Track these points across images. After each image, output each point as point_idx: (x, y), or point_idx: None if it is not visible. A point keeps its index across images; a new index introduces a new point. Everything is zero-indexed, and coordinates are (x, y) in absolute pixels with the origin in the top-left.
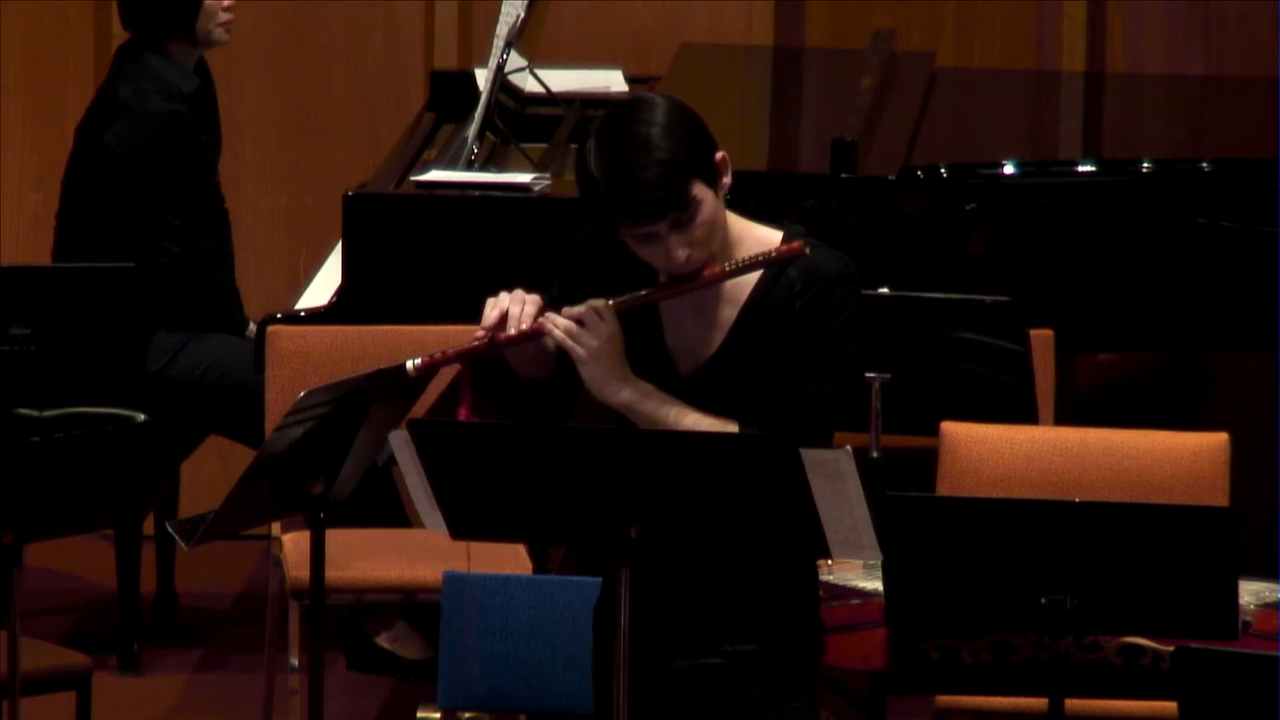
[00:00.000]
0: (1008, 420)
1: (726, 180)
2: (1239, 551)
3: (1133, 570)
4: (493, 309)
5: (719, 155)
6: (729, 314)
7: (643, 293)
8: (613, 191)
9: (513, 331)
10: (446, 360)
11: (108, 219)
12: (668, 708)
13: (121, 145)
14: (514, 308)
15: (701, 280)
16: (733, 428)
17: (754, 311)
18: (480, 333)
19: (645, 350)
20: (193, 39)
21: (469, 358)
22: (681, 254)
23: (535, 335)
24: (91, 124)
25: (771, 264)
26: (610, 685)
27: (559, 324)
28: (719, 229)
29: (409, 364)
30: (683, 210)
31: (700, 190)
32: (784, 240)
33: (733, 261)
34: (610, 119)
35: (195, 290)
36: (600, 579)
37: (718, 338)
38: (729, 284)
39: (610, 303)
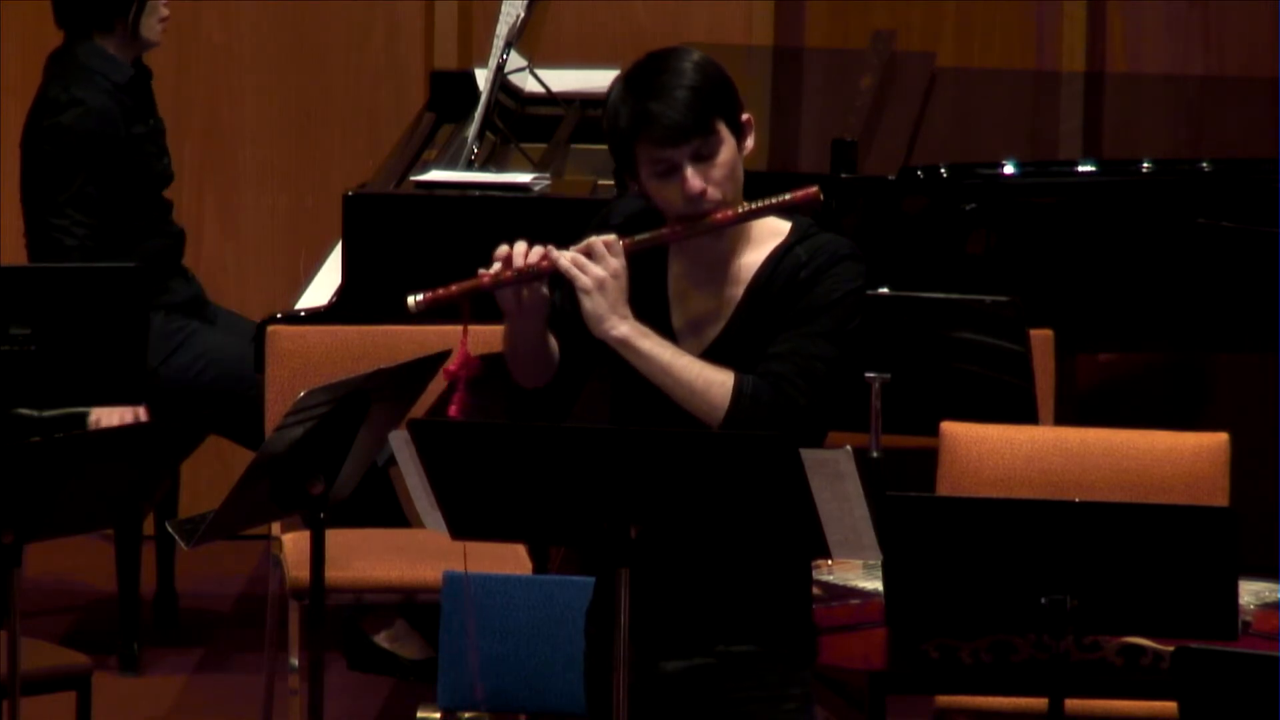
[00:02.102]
0: (1008, 420)
1: (749, 143)
2: (1239, 551)
3: (1133, 570)
4: (499, 250)
5: (745, 116)
6: (735, 293)
7: (652, 234)
8: (640, 107)
9: (520, 264)
10: (450, 296)
11: (70, 217)
12: (659, 709)
13: (61, 144)
14: (519, 247)
15: (714, 222)
16: (728, 375)
17: (760, 290)
18: (495, 266)
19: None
20: (135, 33)
21: (473, 294)
22: (697, 184)
23: (539, 273)
24: (31, 131)
25: (785, 208)
26: (601, 688)
27: (565, 254)
28: (737, 181)
29: (411, 300)
30: (705, 139)
31: (724, 131)
32: (794, 230)
33: (744, 205)
34: (643, 58)
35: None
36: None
37: (724, 317)
38: (736, 265)
39: (619, 238)
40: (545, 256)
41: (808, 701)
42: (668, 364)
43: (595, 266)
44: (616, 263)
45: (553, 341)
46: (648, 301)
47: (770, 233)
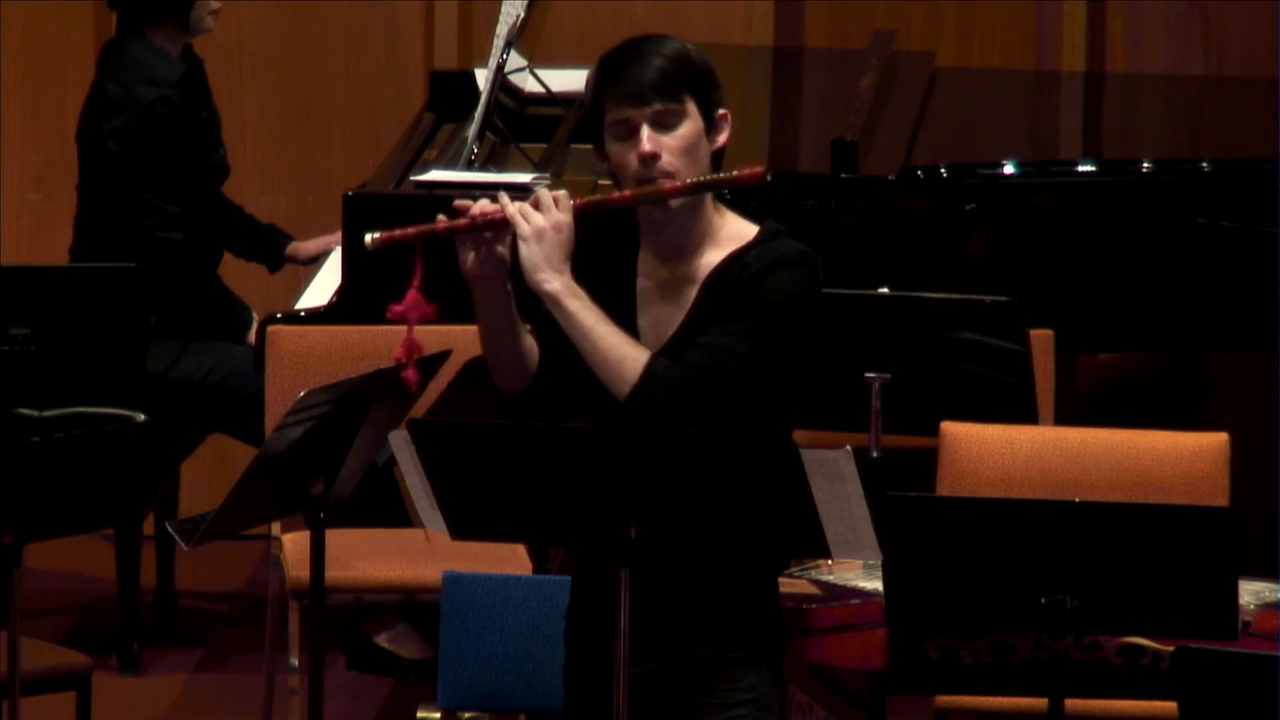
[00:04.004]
0: (1008, 420)
1: (721, 139)
2: (1239, 551)
3: (1133, 570)
4: (459, 202)
5: (722, 111)
6: (691, 293)
7: (601, 196)
8: (612, 68)
9: (475, 213)
10: (406, 237)
11: (123, 215)
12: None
13: (120, 141)
14: (478, 203)
15: (661, 191)
16: (644, 354)
17: (711, 289)
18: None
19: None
20: (185, 25)
21: (429, 236)
22: (648, 146)
23: (493, 222)
24: (87, 125)
25: (730, 184)
26: (578, 689)
27: (515, 204)
28: (696, 161)
29: (368, 237)
30: (668, 106)
31: (691, 109)
32: (759, 234)
33: (693, 178)
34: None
35: (196, 286)
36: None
37: (679, 317)
38: (697, 265)
39: (568, 195)
40: (496, 199)
41: (763, 708)
42: (590, 328)
43: (538, 216)
44: (561, 217)
45: (531, 346)
46: (616, 304)
47: (736, 236)
